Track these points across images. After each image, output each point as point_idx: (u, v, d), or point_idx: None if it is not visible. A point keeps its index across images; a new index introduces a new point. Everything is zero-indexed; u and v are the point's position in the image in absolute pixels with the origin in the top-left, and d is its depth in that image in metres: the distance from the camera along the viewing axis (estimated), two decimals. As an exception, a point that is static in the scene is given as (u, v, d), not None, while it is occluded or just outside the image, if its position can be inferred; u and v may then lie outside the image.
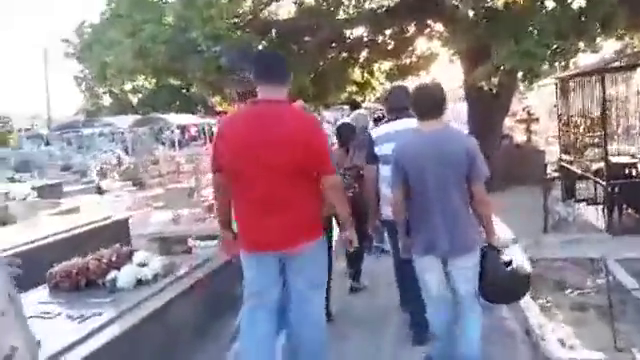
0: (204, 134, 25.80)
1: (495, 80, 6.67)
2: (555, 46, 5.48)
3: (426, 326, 3.09)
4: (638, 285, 3.98)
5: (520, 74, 6.07)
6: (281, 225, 2.52)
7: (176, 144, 17.28)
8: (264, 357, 2.67)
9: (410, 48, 11.68)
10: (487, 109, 8.81)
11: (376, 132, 3.54)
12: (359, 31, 11.33)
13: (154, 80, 11.13)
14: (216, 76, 8.78)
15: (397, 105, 3.52)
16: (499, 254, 2.71)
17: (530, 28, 5.67)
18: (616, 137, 7.24)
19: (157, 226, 5.92)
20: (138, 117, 19.87)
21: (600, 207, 6.47)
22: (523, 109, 12.13)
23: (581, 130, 7.60)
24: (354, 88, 12.51)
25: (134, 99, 38.65)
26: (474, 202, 2.68)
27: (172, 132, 18.10)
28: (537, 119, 10.40)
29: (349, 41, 11.12)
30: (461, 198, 2.67)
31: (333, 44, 10.90)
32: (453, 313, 2.83)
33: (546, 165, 6.81)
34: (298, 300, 2.69)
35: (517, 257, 2.78)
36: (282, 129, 2.48)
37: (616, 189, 5.80)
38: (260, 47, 10.01)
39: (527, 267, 2.79)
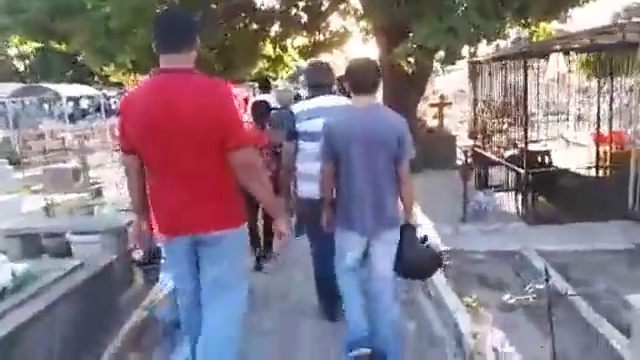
0: (98, 108, 23.72)
1: (413, 60, 6.32)
2: (478, 25, 5.19)
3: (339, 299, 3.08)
4: (563, 280, 3.81)
5: (441, 53, 5.75)
6: (193, 206, 2.27)
7: (66, 117, 15.44)
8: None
9: (324, 24, 11.17)
10: (403, 91, 8.52)
11: (298, 108, 3.37)
12: (271, 2, 10.65)
13: (34, 43, 9.60)
14: (105, 41, 7.66)
15: (318, 81, 3.40)
16: (415, 231, 2.78)
17: (454, 4, 5.34)
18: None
19: (26, 217, 4.94)
20: (21, 85, 17.57)
21: (512, 194, 6.44)
22: (433, 92, 12.12)
23: (488, 115, 7.57)
24: (265, 64, 11.77)
25: (20, 66, 34.81)
26: (398, 181, 2.71)
27: (61, 104, 16.18)
28: (450, 103, 10.35)
29: (260, 12, 10.37)
30: (388, 176, 2.68)
31: (242, 14, 10.11)
32: (369, 309, 2.86)
33: (466, 152, 6.61)
34: (206, 296, 2.43)
35: (430, 236, 2.91)
36: (186, 101, 2.17)
37: (530, 177, 5.72)
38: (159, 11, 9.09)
39: (440, 246, 2.98)
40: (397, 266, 2.77)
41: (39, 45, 11.44)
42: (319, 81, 3.40)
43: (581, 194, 5.40)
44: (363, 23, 9.69)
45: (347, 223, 2.74)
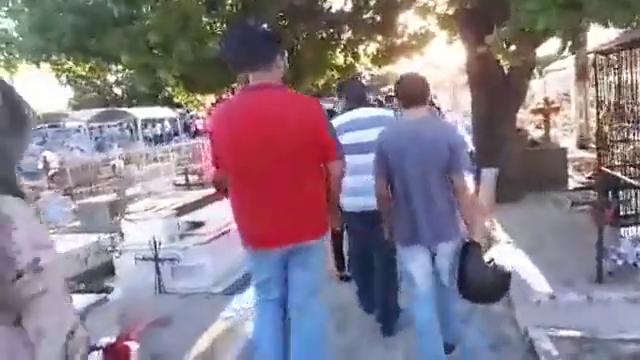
0: (185, 129, 23.89)
1: (513, 49, 4.72)
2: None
3: (395, 315, 3.43)
4: None
5: (551, 42, 4.12)
6: (286, 219, 2.34)
7: (141, 140, 15.24)
8: (276, 346, 2.57)
9: (400, 24, 9.75)
10: (496, 96, 6.81)
11: (336, 122, 3.24)
12: (339, 3, 9.49)
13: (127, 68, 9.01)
14: (149, 57, 6.83)
15: (354, 95, 3.48)
16: (479, 250, 2.65)
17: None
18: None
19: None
20: (99, 110, 17.85)
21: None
22: (532, 97, 10.17)
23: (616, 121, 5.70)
24: (335, 73, 10.57)
25: (118, 92, 36.68)
26: (456, 193, 2.63)
27: (135, 127, 16.06)
28: (558, 108, 8.40)
29: (326, 15, 9.20)
30: (441, 188, 2.63)
31: (308, 20, 9.00)
32: (438, 308, 2.79)
33: (590, 175, 4.84)
34: (300, 300, 2.52)
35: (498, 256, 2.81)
36: (279, 116, 2.23)
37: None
38: (213, 24, 8.24)
39: (506, 267, 2.73)
40: (460, 287, 2.69)
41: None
42: (355, 94, 3.46)
43: None
44: (444, 15, 8.05)
45: (405, 238, 2.74)
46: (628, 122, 5.53)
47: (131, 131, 23.34)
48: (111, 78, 34.62)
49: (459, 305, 2.87)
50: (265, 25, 2.38)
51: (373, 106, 3.69)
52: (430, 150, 2.57)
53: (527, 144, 7.51)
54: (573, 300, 3.44)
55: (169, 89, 10.86)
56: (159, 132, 25.38)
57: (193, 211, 6.23)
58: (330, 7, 9.64)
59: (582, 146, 9.42)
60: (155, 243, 4.55)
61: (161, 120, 24.33)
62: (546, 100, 8.15)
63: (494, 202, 6.65)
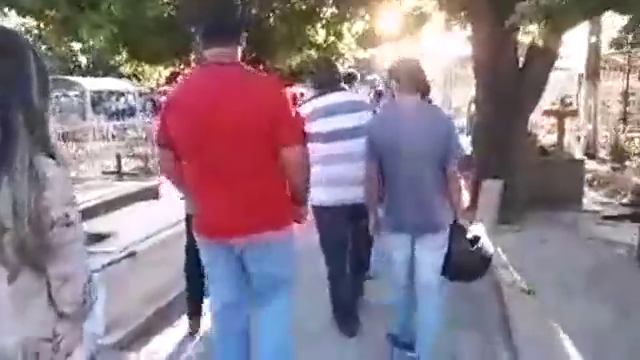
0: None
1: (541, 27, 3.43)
2: None
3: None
4: None
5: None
6: (241, 208, 2.13)
7: (88, 113, 13.59)
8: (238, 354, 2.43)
9: (392, 2, 8.37)
10: (507, 93, 5.46)
11: (307, 108, 3.10)
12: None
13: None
14: (68, 12, 5.32)
15: (327, 78, 3.22)
16: (464, 232, 2.65)
17: None
18: None
19: None
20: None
21: None
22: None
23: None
24: (313, 52, 9.18)
25: (83, 60, 34.33)
26: (447, 180, 2.59)
27: (78, 98, 14.28)
28: (575, 111, 7.07)
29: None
30: (434, 176, 2.58)
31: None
32: (417, 316, 2.77)
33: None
34: (261, 293, 2.34)
35: (482, 237, 2.71)
36: (239, 94, 2.08)
37: None
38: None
39: (490, 249, 2.73)
40: (445, 268, 2.65)
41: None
42: (328, 78, 3.20)
43: None
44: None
45: (392, 226, 2.70)
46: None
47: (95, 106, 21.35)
48: (77, 46, 32.22)
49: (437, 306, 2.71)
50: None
51: (344, 89, 3.27)
52: (426, 138, 2.51)
53: (536, 152, 6.22)
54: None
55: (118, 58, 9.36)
56: (121, 107, 23.22)
57: (108, 213, 4.75)
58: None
59: (589, 156, 8.23)
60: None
61: (123, 94, 22.38)
62: (562, 100, 6.84)
63: (495, 222, 5.40)
